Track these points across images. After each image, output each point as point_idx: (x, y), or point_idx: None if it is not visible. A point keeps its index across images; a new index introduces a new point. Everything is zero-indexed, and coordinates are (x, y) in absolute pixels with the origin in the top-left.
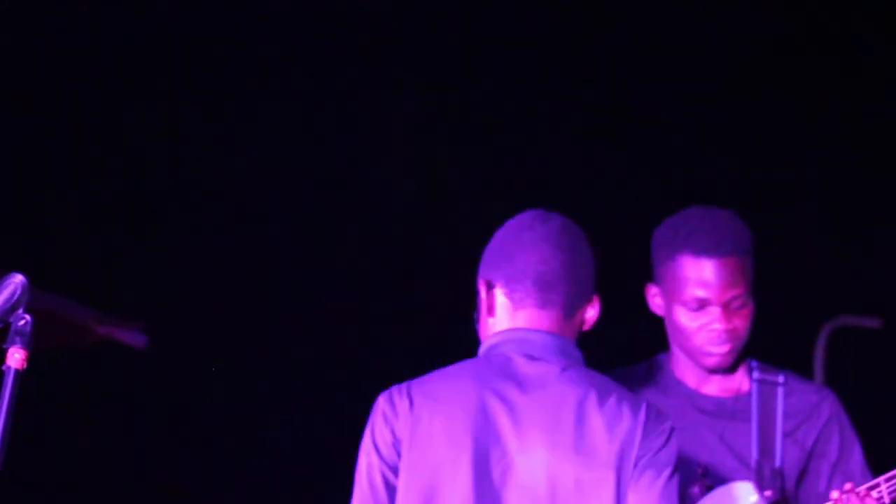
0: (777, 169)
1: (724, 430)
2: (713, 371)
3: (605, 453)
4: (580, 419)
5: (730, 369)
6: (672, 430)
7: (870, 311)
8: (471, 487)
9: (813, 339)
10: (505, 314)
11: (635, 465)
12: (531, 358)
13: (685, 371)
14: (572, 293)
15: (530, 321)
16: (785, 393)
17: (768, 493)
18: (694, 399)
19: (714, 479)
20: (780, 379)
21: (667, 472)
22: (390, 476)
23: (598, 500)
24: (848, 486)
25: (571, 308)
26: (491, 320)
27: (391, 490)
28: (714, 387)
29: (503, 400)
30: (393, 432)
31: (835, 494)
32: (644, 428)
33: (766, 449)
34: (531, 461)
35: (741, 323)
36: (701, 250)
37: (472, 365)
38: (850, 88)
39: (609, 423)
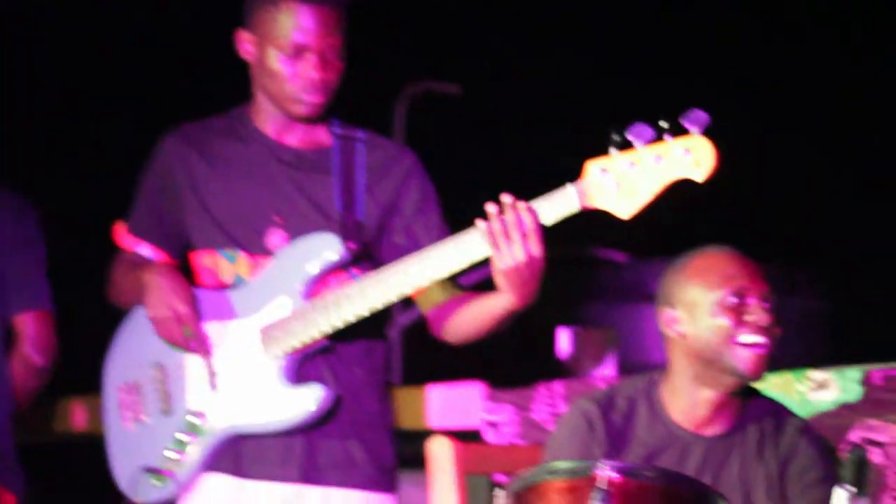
0: None
1: (304, 182)
2: (298, 120)
3: None
4: None
5: (313, 122)
6: None
7: (450, 77)
8: None
9: (392, 104)
10: None
11: None
12: None
13: (266, 121)
14: None
15: None
16: (365, 148)
17: (351, 245)
18: (274, 149)
19: (294, 230)
20: (361, 135)
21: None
22: None
23: None
24: (507, 199)
25: None
26: None
27: None
28: (295, 138)
29: None
30: None
31: (490, 208)
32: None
33: (348, 202)
34: None
35: (333, 76)
36: None
37: None
38: None
39: None
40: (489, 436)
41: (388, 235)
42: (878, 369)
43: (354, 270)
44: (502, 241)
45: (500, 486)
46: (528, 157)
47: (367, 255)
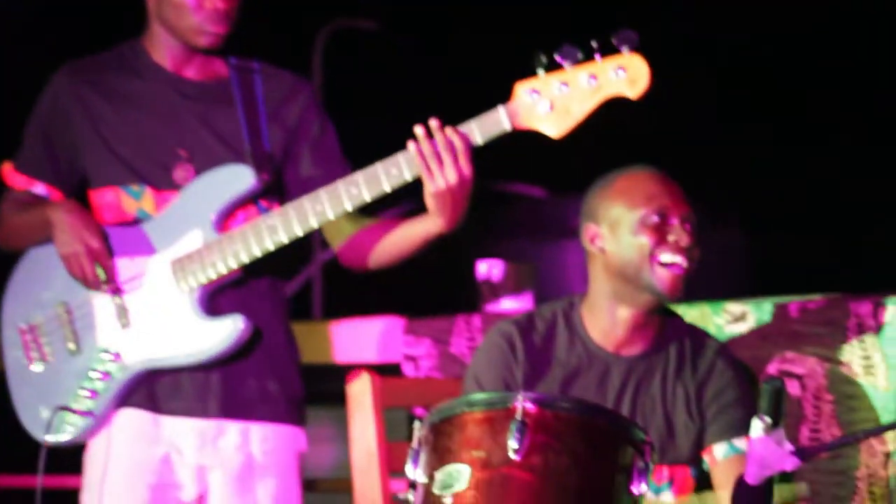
0: None
1: (208, 115)
2: (197, 51)
3: None
4: None
5: (210, 53)
6: None
7: (365, 13)
8: None
9: (311, 43)
10: None
11: None
12: None
13: (163, 53)
14: None
15: None
16: (262, 78)
17: (265, 175)
18: (174, 82)
19: (201, 164)
20: (256, 66)
21: None
22: None
23: None
24: (434, 123)
25: None
26: None
27: None
28: (193, 70)
29: None
30: None
31: (419, 132)
32: None
33: (254, 133)
34: None
35: (235, 5)
36: None
37: None
38: None
39: None
40: (408, 369)
41: (293, 166)
42: (794, 301)
43: (262, 203)
44: (434, 163)
45: (419, 418)
46: (449, 88)
47: (275, 187)
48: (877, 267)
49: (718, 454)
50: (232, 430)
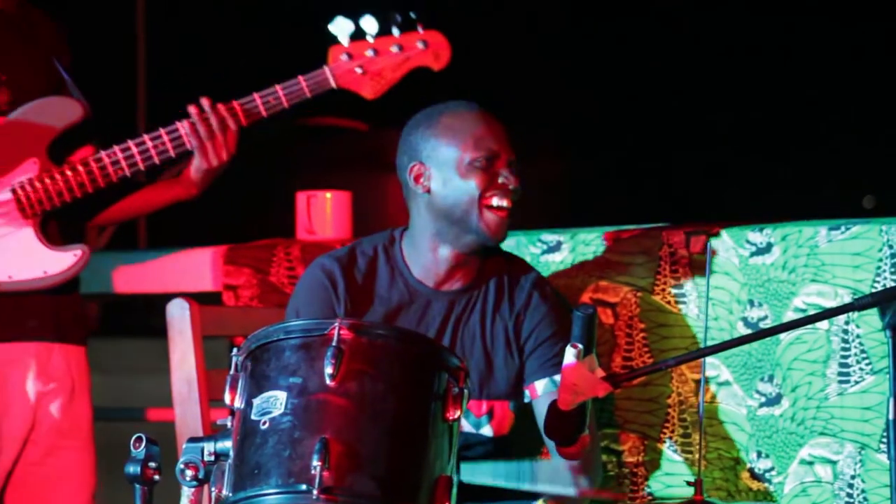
0: None
1: (21, 42)
2: None
3: None
4: None
5: None
6: None
7: None
8: None
9: None
10: None
11: None
12: None
13: None
14: None
15: None
16: (40, 18)
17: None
18: None
19: (17, 90)
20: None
21: None
22: None
23: None
24: (206, 103)
25: None
26: None
27: None
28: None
29: None
30: None
31: (193, 111)
32: None
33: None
34: None
35: None
36: None
37: None
38: None
39: None
40: (228, 299)
41: None
42: (608, 231)
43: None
44: (208, 141)
45: (237, 346)
46: (269, 49)
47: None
48: (692, 199)
49: (539, 389)
50: (58, 352)
